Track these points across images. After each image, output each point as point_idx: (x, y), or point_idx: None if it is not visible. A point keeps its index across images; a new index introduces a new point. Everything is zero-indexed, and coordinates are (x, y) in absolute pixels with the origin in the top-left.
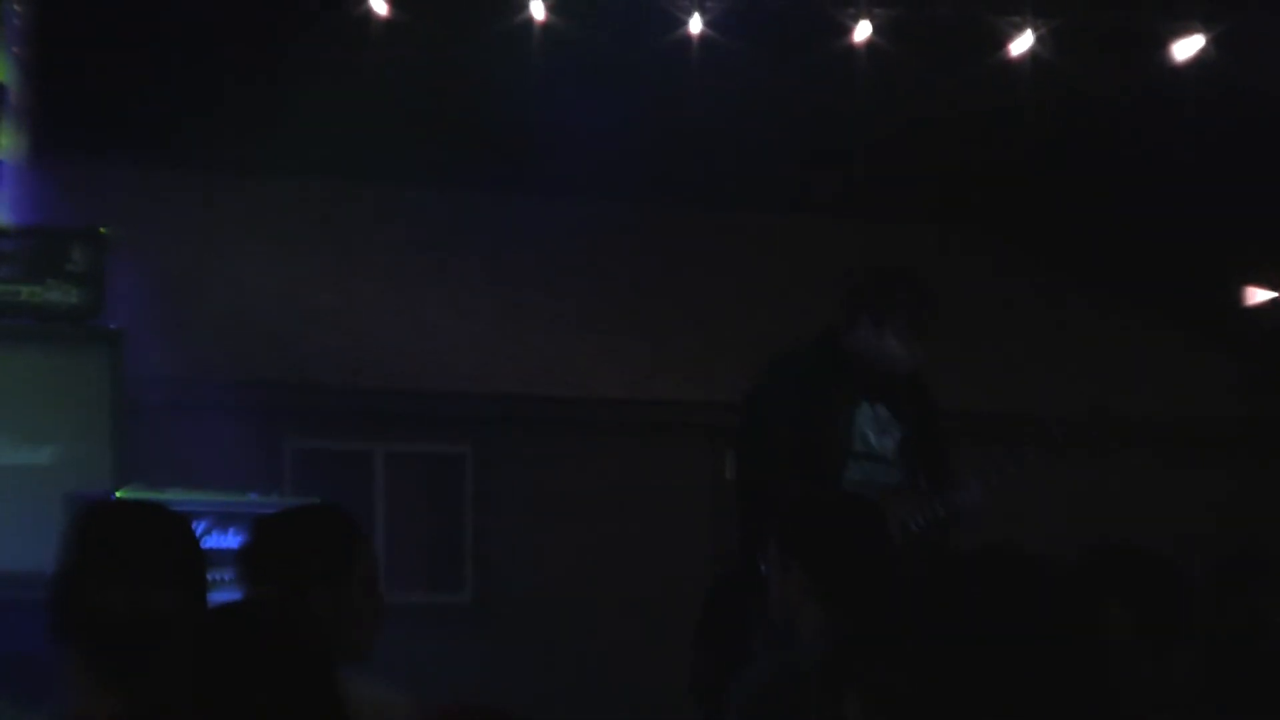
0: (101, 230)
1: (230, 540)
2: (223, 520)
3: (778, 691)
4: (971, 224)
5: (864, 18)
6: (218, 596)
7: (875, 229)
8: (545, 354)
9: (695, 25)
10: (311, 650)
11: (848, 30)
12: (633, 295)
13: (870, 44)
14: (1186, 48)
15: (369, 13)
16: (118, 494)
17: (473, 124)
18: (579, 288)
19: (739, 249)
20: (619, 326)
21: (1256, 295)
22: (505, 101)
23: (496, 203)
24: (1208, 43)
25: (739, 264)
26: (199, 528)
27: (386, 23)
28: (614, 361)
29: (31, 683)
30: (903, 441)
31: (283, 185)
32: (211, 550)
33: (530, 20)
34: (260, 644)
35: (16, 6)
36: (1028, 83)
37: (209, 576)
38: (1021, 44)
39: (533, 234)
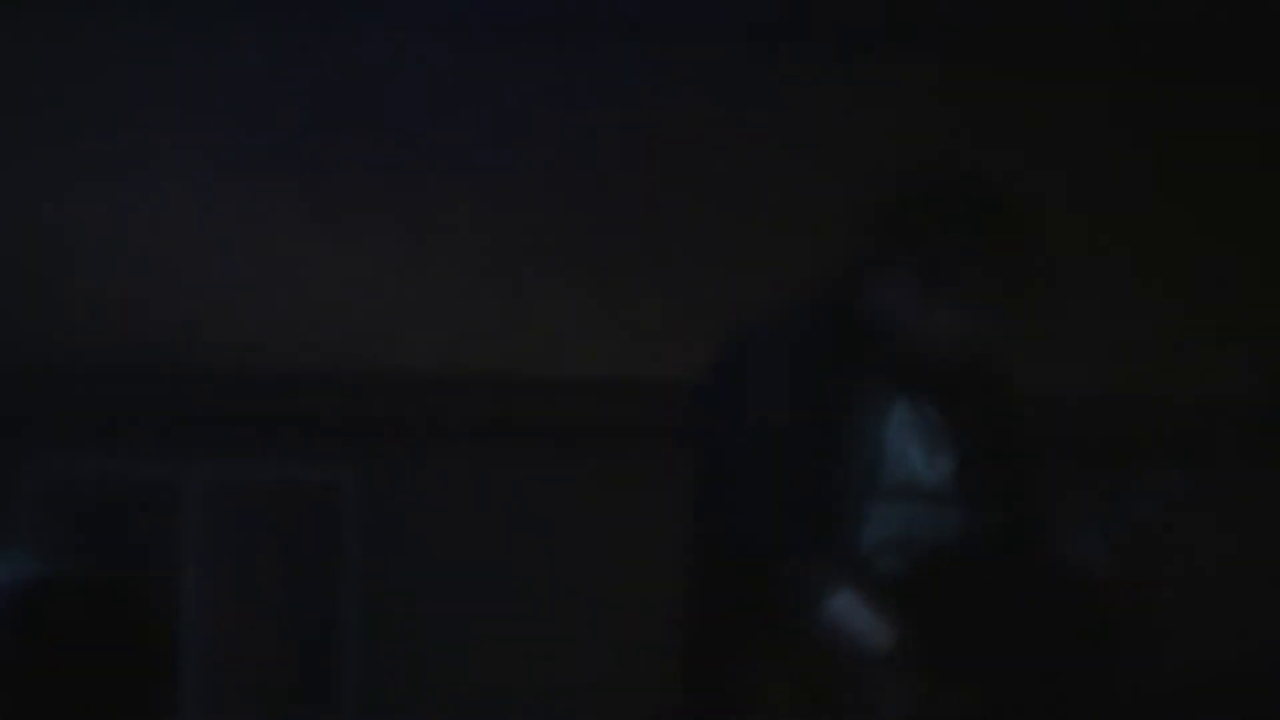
0: None
1: None
2: None
3: None
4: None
5: None
6: None
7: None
8: (465, 314)
9: None
10: None
11: None
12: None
13: None
14: None
15: None
16: None
17: None
18: (509, 205)
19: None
20: (577, 267)
21: None
22: None
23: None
24: None
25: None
26: None
27: None
28: (572, 324)
29: None
30: (964, 466)
31: None
32: None
33: None
34: None
35: None
36: None
37: None
38: None
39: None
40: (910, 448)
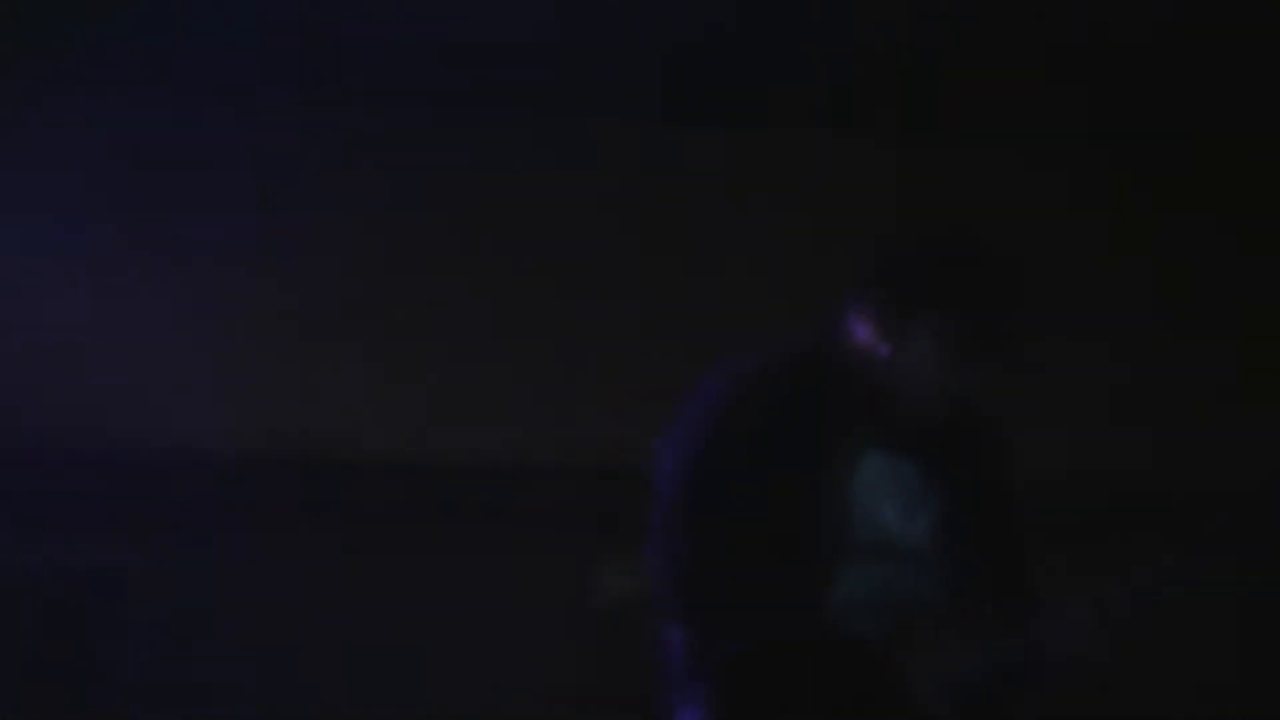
0: None
1: None
2: None
3: None
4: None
5: None
6: None
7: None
8: (267, 380)
9: None
10: None
11: None
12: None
13: None
14: None
15: None
16: None
17: None
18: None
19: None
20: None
21: None
22: None
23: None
24: None
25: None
26: None
27: None
28: (395, 399)
29: None
30: (944, 521)
31: None
32: None
33: None
34: None
35: None
36: None
37: None
38: None
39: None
40: (885, 502)
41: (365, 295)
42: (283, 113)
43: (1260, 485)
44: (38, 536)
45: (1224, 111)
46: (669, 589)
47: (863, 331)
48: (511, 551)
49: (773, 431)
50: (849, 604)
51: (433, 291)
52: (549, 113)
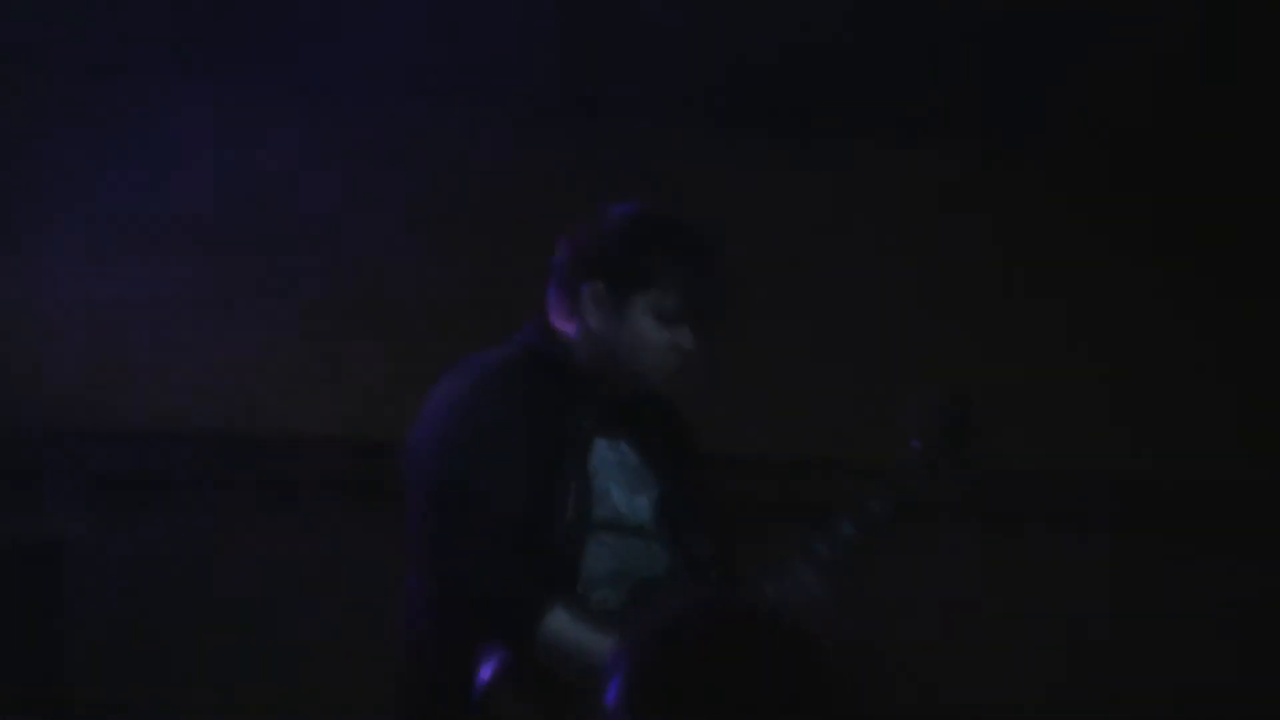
0: None
1: None
2: None
3: None
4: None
5: None
6: None
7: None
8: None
9: None
10: None
11: None
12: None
13: None
14: None
15: None
16: None
17: None
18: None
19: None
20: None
21: None
22: None
23: None
24: None
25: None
26: None
27: None
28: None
29: None
30: (661, 501)
31: None
32: None
33: None
34: None
35: None
36: None
37: None
38: None
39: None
40: (613, 483)
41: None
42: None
43: None
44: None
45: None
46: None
47: (579, 316)
48: None
49: (511, 423)
50: (593, 578)
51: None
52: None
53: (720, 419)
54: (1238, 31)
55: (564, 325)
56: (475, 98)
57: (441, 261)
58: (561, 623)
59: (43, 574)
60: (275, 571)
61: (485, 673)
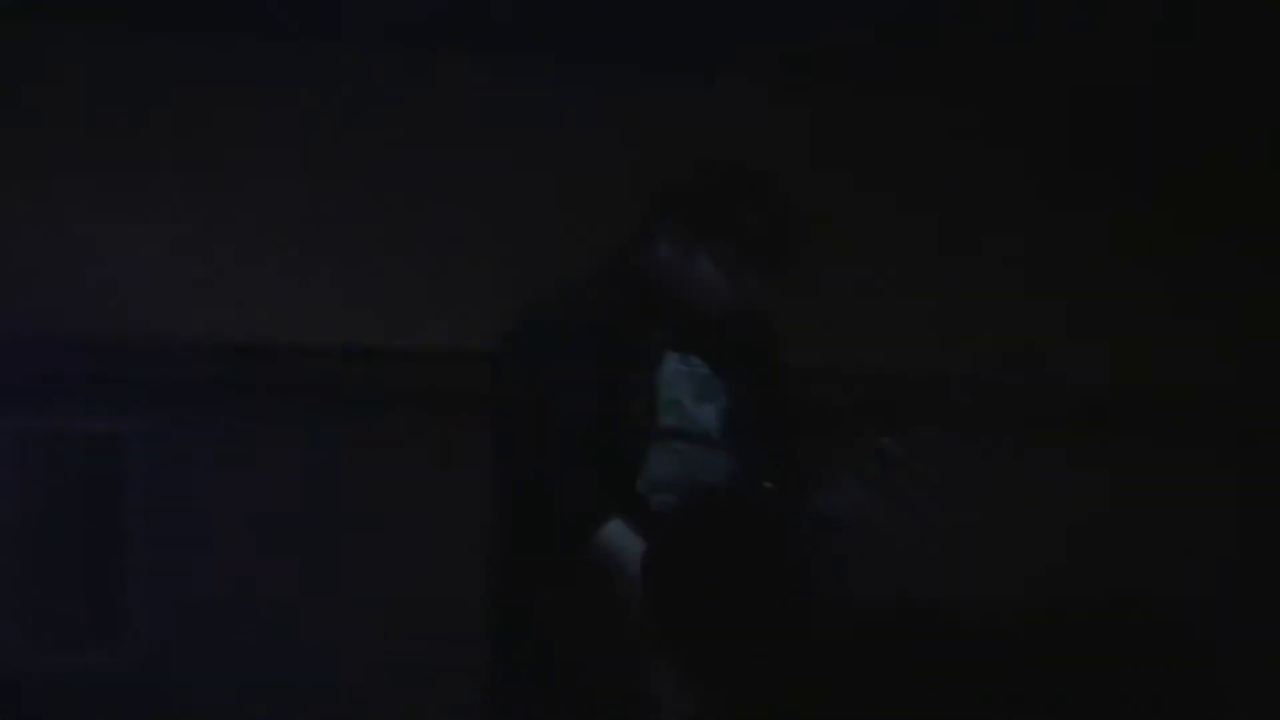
0: None
1: None
2: None
3: None
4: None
5: None
6: None
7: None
8: (240, 282)
9: None
10: None
11: None
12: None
13: None
14: None
15: None
16: None
17: None
18: (275, 183)
19: (516, 108)
20: (347, 244)
21: None
22: None
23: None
24: None
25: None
26: None
27: None
28: (351, 297)
29: None
30: (728, 413)
31: None
32: None
33: None
34: None
35: None
36: None
37: None
38: None
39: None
40: (681, 395)
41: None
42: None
43: None
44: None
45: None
46: (517, 473)
47: (660, 250)
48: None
49: (594, 339)
50: (656, 483)
51: None
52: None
53: (807, 330)
54: None
55: (658, 255)
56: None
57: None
58: (615, 533)
59: (96, 473)
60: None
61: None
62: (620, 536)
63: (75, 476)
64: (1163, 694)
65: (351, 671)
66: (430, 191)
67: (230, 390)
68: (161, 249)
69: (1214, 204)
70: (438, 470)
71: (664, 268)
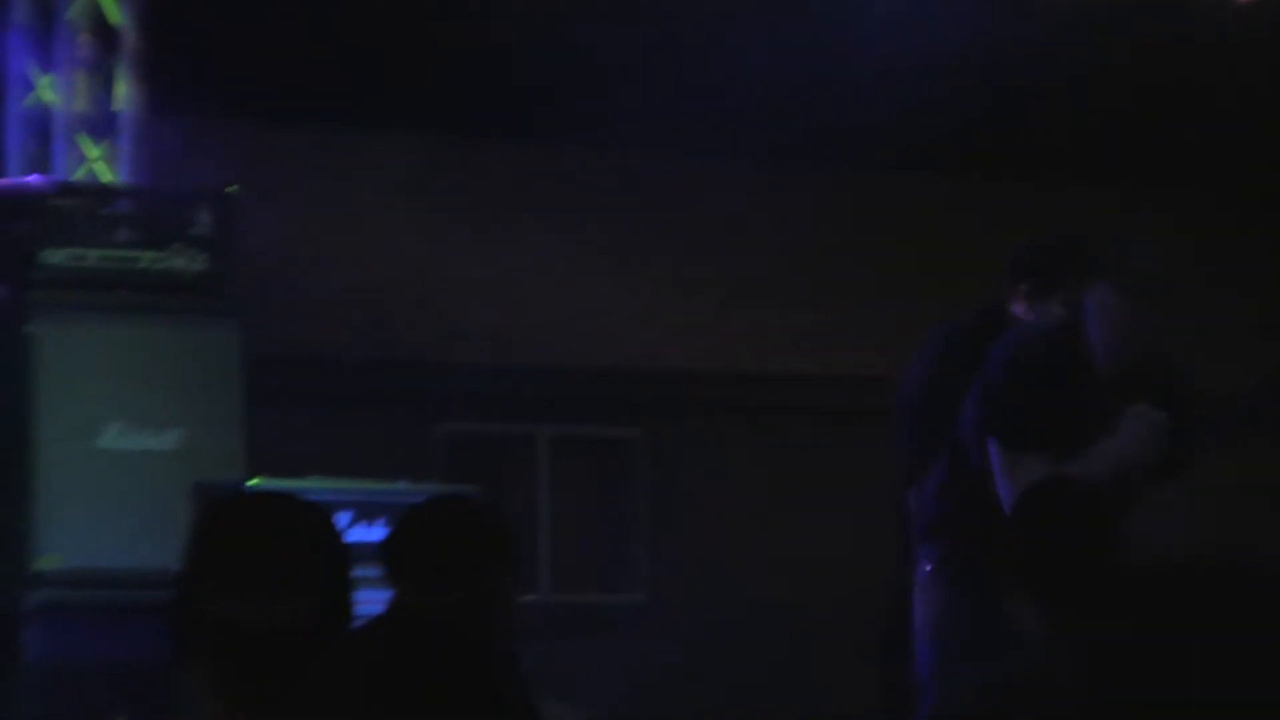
0: (229, 190)
1: (376, 533)
2: (368, 511)
3: (988, 706)
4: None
5: None
6: (363, 596)
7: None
8: (721, 328)
9: None
10: (495, 668)
11: None
12: (814, 263)
13: None
14: None
15: None
16: (249, 484)
17: (628, 76)
18: (754, 255)
19: (927, 213)
20: (799, 297)
21: None
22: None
23: (660, 163)
24: None
25: (927, 229)
26: (341, 520)
27: None
28: (796, 335)
29: (158, 694)
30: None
31: (423, 143)
32: (356, 545)
33: None
34: (435, 659)
35: None
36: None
37: (353, 575)
38: None
39: (701, 197)
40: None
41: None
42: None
43: None
44: (574, 417)
45: None
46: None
47: (1015, 307)
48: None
49: (959, 367)
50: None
51: None
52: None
53: None
54: None
55: (1014, 311)
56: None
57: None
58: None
59: (619, 466)
60: None
61: None
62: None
63: (595, 471)
64: None
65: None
66: (843, 263)
67: (705, 408)
68: (652, 301)
69: None
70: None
71: (1019, 320)
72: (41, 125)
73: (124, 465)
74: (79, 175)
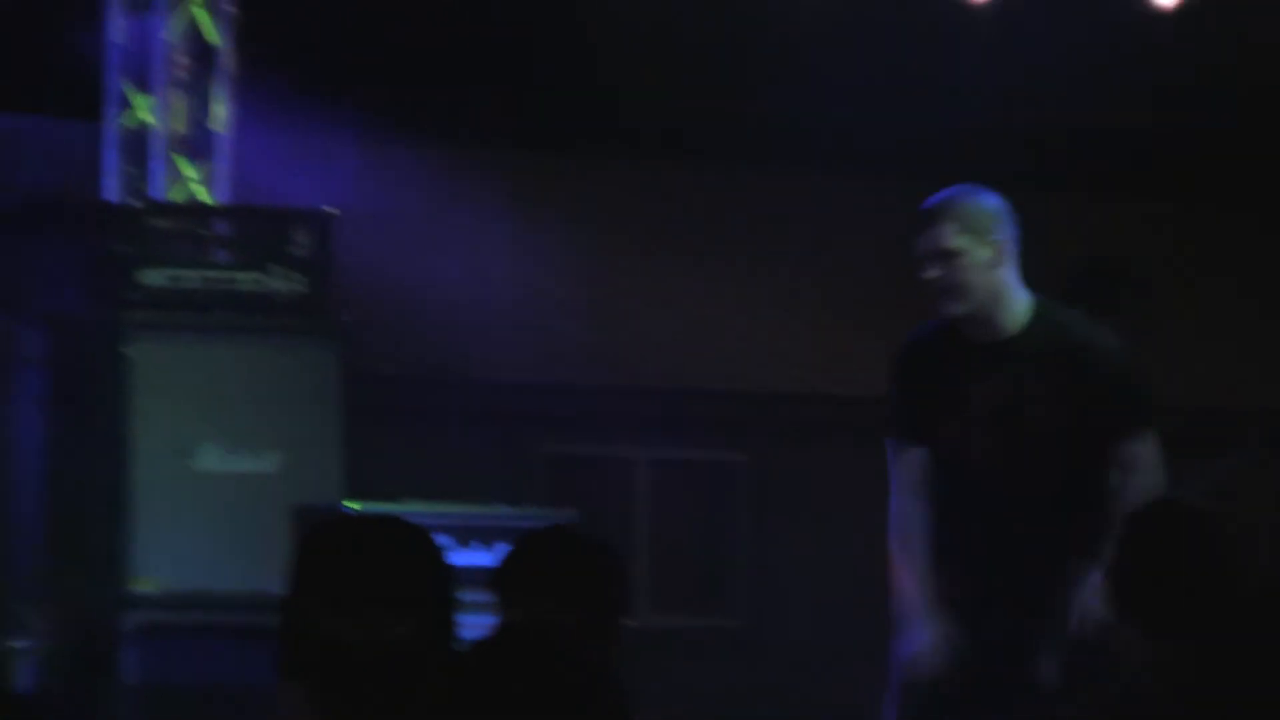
0: (328, 211)
1: (476, 556)
2: (467, 534)
3: None
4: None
5: None
6: (465, 620)
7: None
8: (824, 350)
9: None
10: (603, 692)
11: None
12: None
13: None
14: None
15: None
16: (350, 506)
17: (718, 92)
18: (856, 276)
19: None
20: (904, 319)
21: None
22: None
23: (758, 181)
24: None
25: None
26: (442, 543)
27: None
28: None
29: (255, 716)
30: None
31: (526, 163)
32: (457, 568)
33: None
34: (545, 681)
35: None
36: None
37: (458, 597)
38: None
39: (802, 216)
40: None
41: None
42: None
43: None
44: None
45: None
46: None
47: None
48: None
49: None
50: None
51: None
52: None
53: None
54: None
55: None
56: None
57: None
58: None
59: (720, 489)
60: None
61: None
62: None
63: (695, 493)
64: None
65: None
66: None
67: (807, 431)
68: (754, 323)
69: None
70: None
71: None
72: (139, 146)
73: (221, 487)
74: (176, 196)
